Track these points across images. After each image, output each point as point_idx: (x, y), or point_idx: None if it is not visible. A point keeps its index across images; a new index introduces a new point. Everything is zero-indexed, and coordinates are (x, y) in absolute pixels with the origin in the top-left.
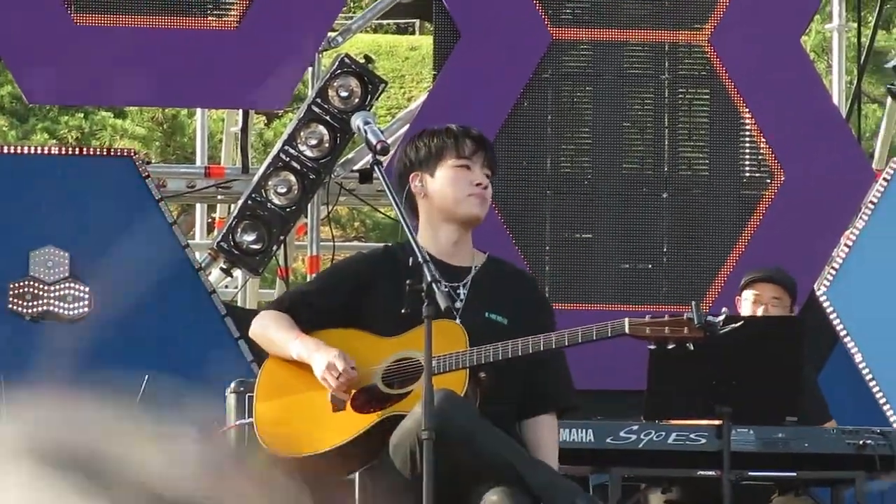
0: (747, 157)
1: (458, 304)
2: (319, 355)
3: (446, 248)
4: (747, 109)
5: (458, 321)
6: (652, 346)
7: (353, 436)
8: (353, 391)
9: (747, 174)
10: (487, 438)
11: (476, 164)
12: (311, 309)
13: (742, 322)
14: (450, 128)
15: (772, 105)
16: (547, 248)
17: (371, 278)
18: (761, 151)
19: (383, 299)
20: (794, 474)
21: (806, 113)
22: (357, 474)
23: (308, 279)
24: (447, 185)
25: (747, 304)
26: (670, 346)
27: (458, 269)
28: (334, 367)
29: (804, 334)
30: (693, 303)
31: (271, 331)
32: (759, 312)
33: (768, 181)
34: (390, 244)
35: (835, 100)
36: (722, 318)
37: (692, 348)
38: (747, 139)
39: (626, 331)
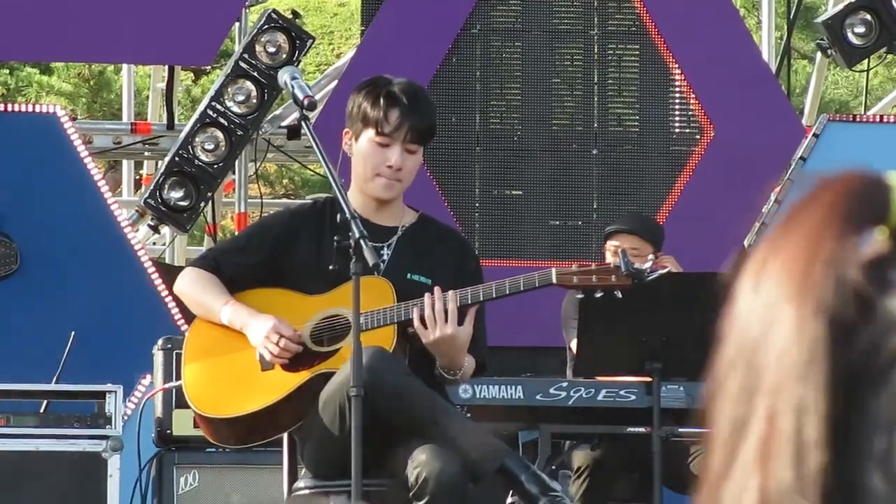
0: (677, 112)
1: (381, 267)
2: (255, 322)
3: (371, 207)
4: (677, 65)
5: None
6: (580, 296)
7: (284, 394)
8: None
9: (677, 130)
10: (417, 396)
11: (396, 141)
12: (235, 267)
13: (667, 270)
14: (379, 93)
15: (702, 61)
16: (477, 204)
17: (296, 234)
18: (691, 107)
19: (309, 255)
20: None
21: (736, 69)
22: (286, 433)
23: (238, 233)
24: (361, 157)
25: (608, 255)
26: (598, 295)
27: (384, 228)
28: (278, 333)
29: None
30: (620, 250)
31: (199, 293)
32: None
33: (698, 137)
34: (319, 198)
35: (765, 56)
36: (648, 265)
37: (620, 296)
38: (677, 95)
39: (554, 280)
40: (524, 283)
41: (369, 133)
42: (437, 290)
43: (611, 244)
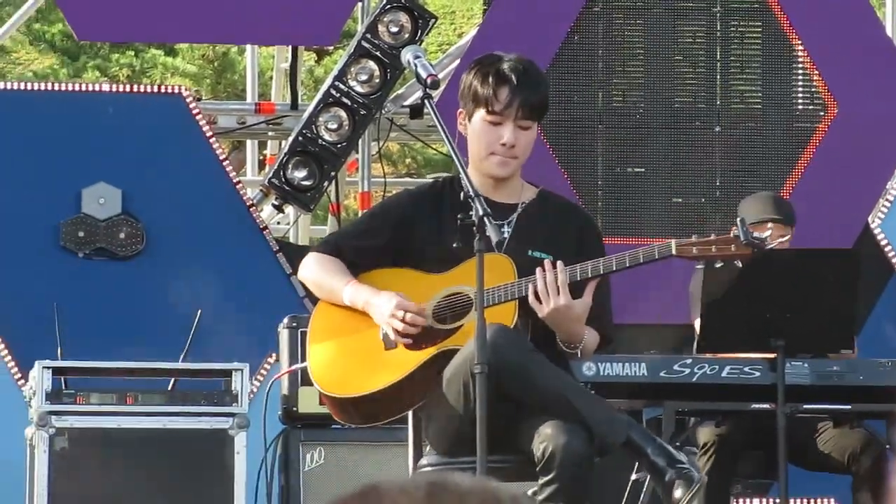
0: (800, 89)
1: (504, 242)
2: (376, 300)
3: (491, 185)
4: (800, 41)
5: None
6: (700, 266)
7: (407, 372)
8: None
9: (800, 107)
10: (541, 372)
11: (508, 119)
12: (357, 250)
13: (788, 237)
14: (489, 71)
15: (825, 37)
16: (599, 182)
17: (417, 215)
18: (814, 84)
19: (431, 234)
20: (849, 407)
21: (860, 44)
22: (410, 413)
23: (359, 215)
24: (475, 136)
25: None
26: (718, 265)
27: (503, 206)
28: (401, 308)
29: (859, 267)
30: (738, 219)
31: (321, 276)
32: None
33: (822, 114)
34: (440, 178)
35: (889, 31)
36: (768, 234)
37: (740, 266)
38: (800, 72)
39: (673, 251)
40: (644, 255)
41: (481, 112)
42: (546, 262)
43: None
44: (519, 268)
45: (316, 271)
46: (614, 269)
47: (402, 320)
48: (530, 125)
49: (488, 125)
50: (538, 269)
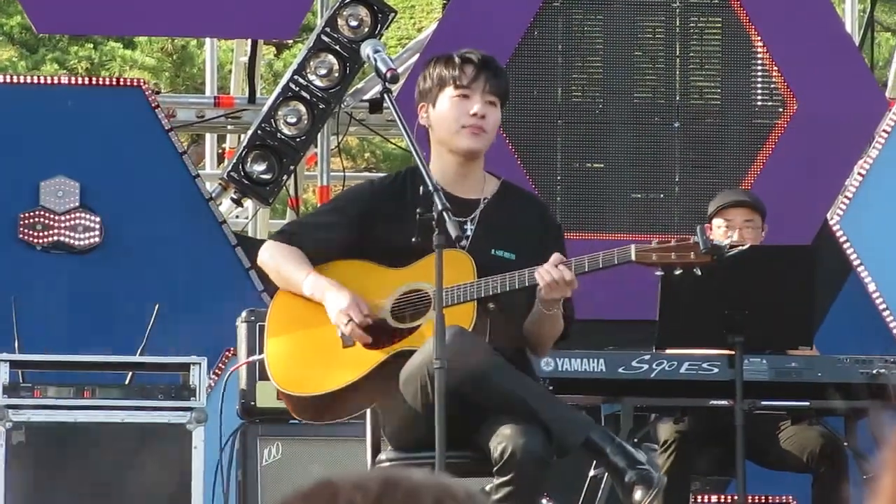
0: (759, 85)
1: (464, 243)
2: (333, 296)
3: (453, 180)
4: (759, 38)
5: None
6: (659, 273)
7: (364, 373)
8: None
9: (759, 103)
10: (500, 375)
11: (476, 92)
12: (316, 240)
13: (748, 245)
14: (452, 56)
15: (784, 33)
16: (558, 177)
17: (377, 207)
18: (773, 80)
19: (391, 228)
20: (808, 404)
21: (819, 41)
22: (368, 409)
23: (318, 207)
24: (443, 116)
25: (719, 232)
26: (678, 272)
27: (466, 201)
28: (348, 314)
29: (816, 263)
30: (698, 227)
31: (281, 265)
32: (734, 237)
33: (780, 110)
34: (401, 171)
35: (847, 28)
36: (728, 241)
37: (699, 273)
38: (759, 68)
39: (633, 258)
40: (603, 260)
41: (448, 90)
42: (557, 256)
43: (721, 220)
44: (482, 267)
45: (275, 260)
46: (573, 273)
47: (350, 322)
48: (496, 102)
49: (456, 100)
50: (542, 269)
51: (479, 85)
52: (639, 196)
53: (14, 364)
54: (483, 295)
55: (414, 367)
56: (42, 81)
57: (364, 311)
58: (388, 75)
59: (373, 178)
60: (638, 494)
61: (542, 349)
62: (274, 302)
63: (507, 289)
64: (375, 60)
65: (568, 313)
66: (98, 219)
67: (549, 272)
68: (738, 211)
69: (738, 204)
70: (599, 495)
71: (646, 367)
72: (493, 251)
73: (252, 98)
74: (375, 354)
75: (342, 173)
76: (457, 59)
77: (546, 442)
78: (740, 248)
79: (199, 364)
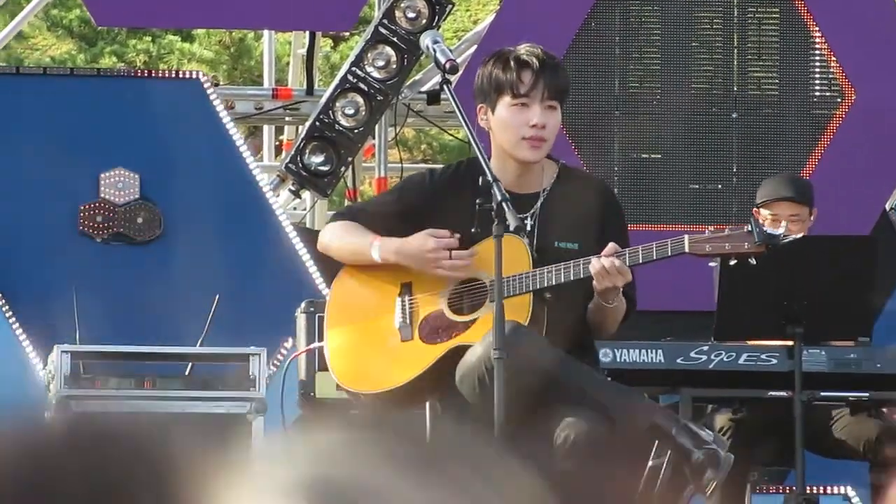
0: (817, 76)
1: (526, 239)
2: (409, 248)
3: (513, 179)
4: (817, 28)
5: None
6: (713, 263)
7: (423, 370)
8: (422, 317)
9: (817, 93)
10: (559, 368)
11: (535, 101)
12: (374, 224)
13: (802, 235)
14: (508, 58)
15: (842, 23)
16: (616, 168)
17: (435, 196)
18: (832, 70)
19: (449, 217)
20: (867, 395)
21: (877, 31)
22: (427, 402)
23: (376, 195)
24: (503, 127)
25: (766, 223)
26: (732, 262)
27: (525, 196)
28: (436, 256)
29: (877, 254)
30: (752, 218)
31: (344, 237)
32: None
33: (839, 100)
34: (461, 161)
35: None
36: (781, 230)
37: (754, 263)
38: (817, 58)
39: (686, 249)
40: (657, 251)
41: (505, 99)
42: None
43: (767, 212)
44: (547, 260)
45: (339, 234)
46: (627, 265)
47: (445, 259)
48: (556, 106)
49: (515, 110)
50: (595, 260)
51: (538, 93)
52: (696, 187)
53: (75, 355)
54: (539, 286)
55: (470, 363)
56: (101, 74)
57: (445, 239)
58: (448, 66)
59: (432, 168)
60: (708, 474)
61: (606, 333)
62: (332, 292)
63: (563, 280)
64: (435, 51)
65: (631, 294)
66: (158, 210)
67: (601, 263)
68: (783, 205)
69: (784, 199)
70: (658, 485)
71: (704, 357)
72: (556, 244)
73: (310, 90)
74: (433, 350)
75: (399, 165)
76: (513, 64)
77: (610, 429)
78: (794, 237)
79: (259, 354)
